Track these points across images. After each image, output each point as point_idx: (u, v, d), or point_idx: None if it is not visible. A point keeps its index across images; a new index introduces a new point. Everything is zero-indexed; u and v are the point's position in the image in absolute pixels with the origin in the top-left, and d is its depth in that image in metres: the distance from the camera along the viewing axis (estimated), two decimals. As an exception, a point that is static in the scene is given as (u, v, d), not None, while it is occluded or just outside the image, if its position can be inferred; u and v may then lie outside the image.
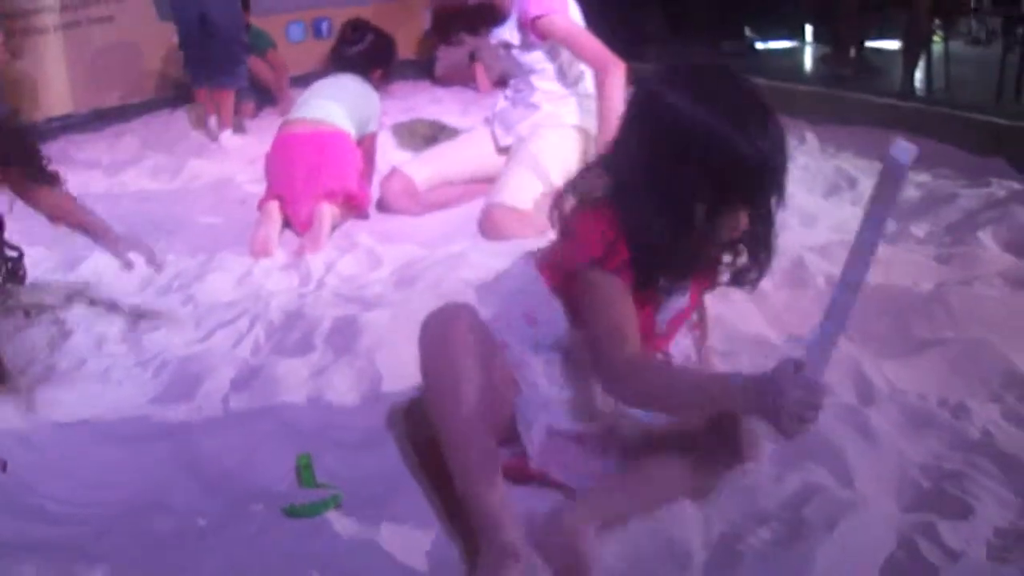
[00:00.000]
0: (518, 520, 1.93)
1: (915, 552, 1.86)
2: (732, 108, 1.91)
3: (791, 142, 5.01)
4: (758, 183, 1.94)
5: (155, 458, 2.43)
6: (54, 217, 3.26)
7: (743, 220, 1.99)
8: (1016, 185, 4.11)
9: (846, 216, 4.03)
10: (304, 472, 2.28)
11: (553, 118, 4.46)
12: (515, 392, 2.13)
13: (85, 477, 2.37)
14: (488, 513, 1.92)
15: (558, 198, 2.12)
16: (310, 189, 4.35)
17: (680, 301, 2.16)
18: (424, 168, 4.65)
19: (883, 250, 3.45)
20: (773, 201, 1.99)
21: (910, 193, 4.22)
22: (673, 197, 1.93)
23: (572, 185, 2.10)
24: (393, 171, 4.66)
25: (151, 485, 2.31)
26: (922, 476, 2.16)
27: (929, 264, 3.32)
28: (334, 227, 4.35)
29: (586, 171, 2.12)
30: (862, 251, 1.71)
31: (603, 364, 2.00)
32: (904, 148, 1.64)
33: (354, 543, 2.00)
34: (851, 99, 5.95)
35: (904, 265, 3.26)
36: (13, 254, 3.06)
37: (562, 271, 2.10)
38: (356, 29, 4.98)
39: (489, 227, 4.14)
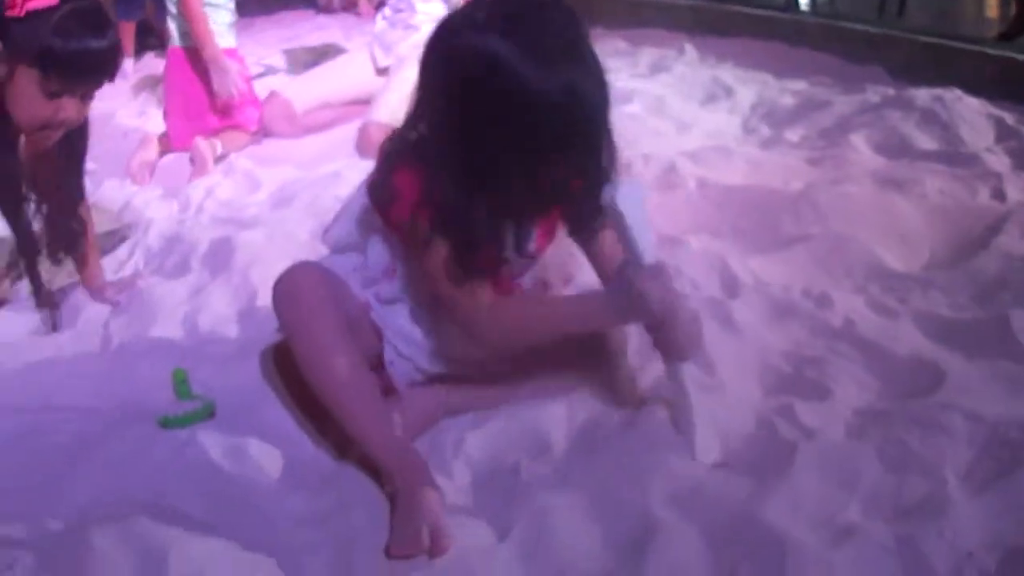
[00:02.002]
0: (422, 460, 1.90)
1: (773, 431, 1.91)
2: (538, 46, 1.67)
3: (670, 53, 5.19)
4: (572, 129, 1.73)
5: (38, 381, 2.42)
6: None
7: (565, 172, 1.83)
8: (890, 91, 4.17)
9: (720, 122, 4.09)
10: (180, 386, 2.29)
11: (433, 38, 4.42)
12: (379, 340, 2.07)
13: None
14: (393, 458, 1.86)
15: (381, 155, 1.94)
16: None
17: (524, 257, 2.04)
18: (303, 91, 4.61)
19: (755, 153, 3.52)
20: (602, 149, 1.81)
21: (786, 100, 4.29)
22: (476, 156, 1.75)
23: (388, 142, 1.93)
24: (272, 95, 4.62)
25: (34, 404, 2.31)
26: (783, 362, 2.20)
27: (801, 166, 3.37)
28: (222, 156, 4.30)
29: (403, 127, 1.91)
30: None
31: (458, 316, 1.91)
32: (625, 192, 1.76)
33: (226, 451, 2.01)
34: (732, 12, 5.98)
35: (776, 167, 3.31)
36: None
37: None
38: None
39: (365, 145, 4.10)
